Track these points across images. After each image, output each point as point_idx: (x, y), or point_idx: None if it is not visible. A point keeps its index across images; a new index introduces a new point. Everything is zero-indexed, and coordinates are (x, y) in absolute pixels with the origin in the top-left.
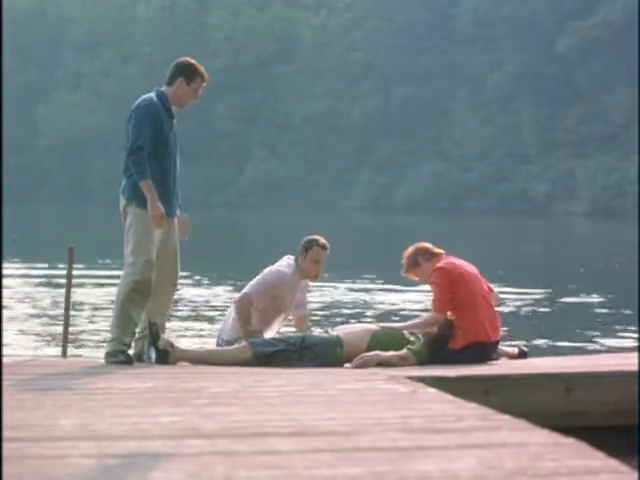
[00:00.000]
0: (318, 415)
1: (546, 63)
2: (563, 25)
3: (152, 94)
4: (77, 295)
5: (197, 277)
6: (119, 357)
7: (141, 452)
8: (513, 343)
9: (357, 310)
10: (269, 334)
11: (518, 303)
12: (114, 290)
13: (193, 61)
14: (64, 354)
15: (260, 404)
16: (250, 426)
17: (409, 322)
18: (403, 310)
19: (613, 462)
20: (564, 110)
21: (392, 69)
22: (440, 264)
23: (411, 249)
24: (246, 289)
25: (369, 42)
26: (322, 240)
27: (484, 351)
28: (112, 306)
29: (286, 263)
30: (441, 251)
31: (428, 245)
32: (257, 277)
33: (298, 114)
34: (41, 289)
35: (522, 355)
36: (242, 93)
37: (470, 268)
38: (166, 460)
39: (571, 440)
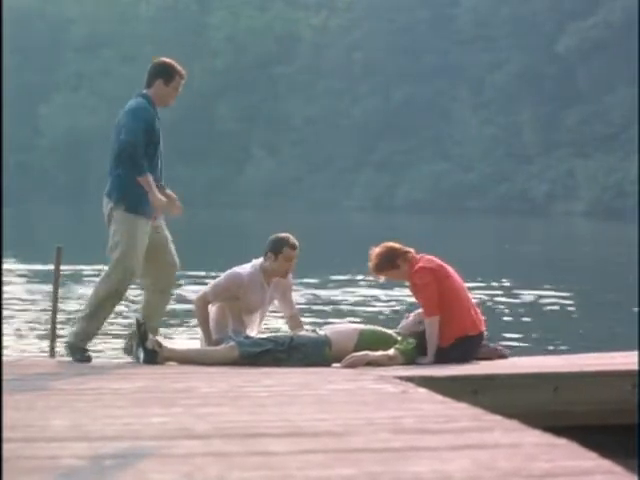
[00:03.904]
0: (310, 415)
1: (546, 63)
2: (563, 25)
3: (141, 99)
4: (70, 294)
5: (197, 276)
6: (76, 355)
7: (134, 453)
8: (501, 343)
9: (355, 309)
10: (252, 333)
11: (516, 302)
12: None
13: (169, 60)
14: (52, 353)
15: (251, 404)
16: (242, 427)
17: (403, 324)
18: (401, 310)
19: (606, 463)
20: (564, 110)
21: (392, 69)
22: (421, 264)
23: (385, 250)
24: (205, 288)
25: (369, 42)
26: (291, 239)
27: (471, 345)
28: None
29: (251, 264)
30: (411, 250)
31: (398, 245)
32: (218, 277)
33: (298, 114)
34: (33, 288)
35: (501, 359)
36: (242, 93)
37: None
38: (159, 461)
39: (564, 441)
